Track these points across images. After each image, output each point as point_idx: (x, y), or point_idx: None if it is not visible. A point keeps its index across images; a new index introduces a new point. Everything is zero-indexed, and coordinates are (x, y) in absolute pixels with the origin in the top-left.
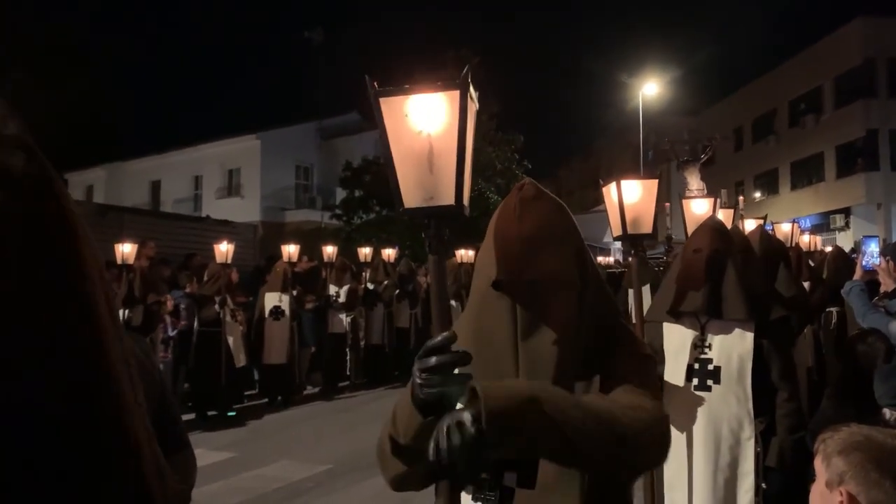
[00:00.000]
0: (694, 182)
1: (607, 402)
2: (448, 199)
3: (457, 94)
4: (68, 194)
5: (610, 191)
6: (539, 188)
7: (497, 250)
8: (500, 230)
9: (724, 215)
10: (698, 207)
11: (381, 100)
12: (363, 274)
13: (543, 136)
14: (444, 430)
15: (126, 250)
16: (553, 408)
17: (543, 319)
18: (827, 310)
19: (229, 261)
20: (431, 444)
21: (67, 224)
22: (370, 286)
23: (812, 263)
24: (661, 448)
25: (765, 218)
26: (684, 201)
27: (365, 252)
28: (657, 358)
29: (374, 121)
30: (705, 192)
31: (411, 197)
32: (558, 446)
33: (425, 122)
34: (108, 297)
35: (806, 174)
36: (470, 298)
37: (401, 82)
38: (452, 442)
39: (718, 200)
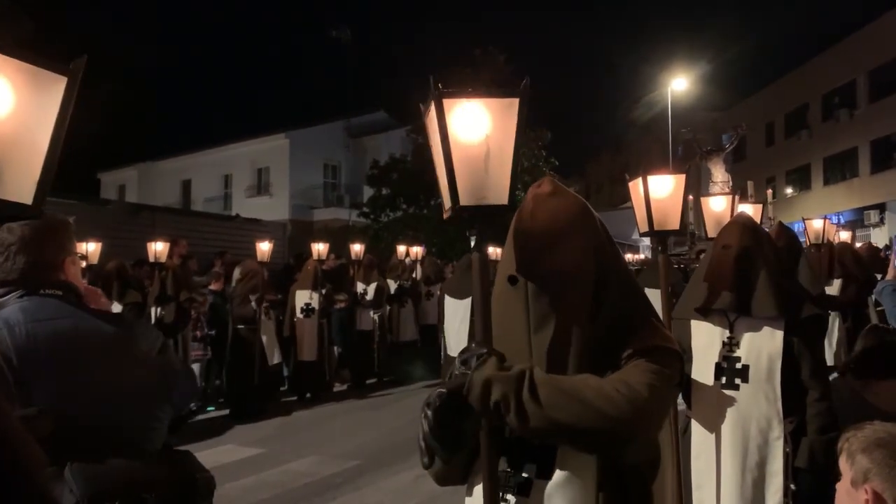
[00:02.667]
0: (718, 174)
1: (579, 381)
2: (501, 199)
3: (516, 101)
4: None
5: (637, 186)
6: (557, 185)
7: (513, 246)
8: (517, 227)
9: (753, 211)
10: (717, 205)
11: (444, 100)
12: (385, 272)
13: (571, 131)
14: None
15: (158, 248)
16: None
17: (555, 314)
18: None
19: (268, 260)
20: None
21: None
22: (403, 283)
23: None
24: (600, 436)
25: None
26: (703, 199)
27: (400, 250)
28: (684, 356)
29: (401, 119)
30: (730, 184)
31: (465, 195)
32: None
33: (484, 126)
34: None
35: (839, 169)
36: (493, 293)
37: (430, 81)
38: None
39: (737, 197)
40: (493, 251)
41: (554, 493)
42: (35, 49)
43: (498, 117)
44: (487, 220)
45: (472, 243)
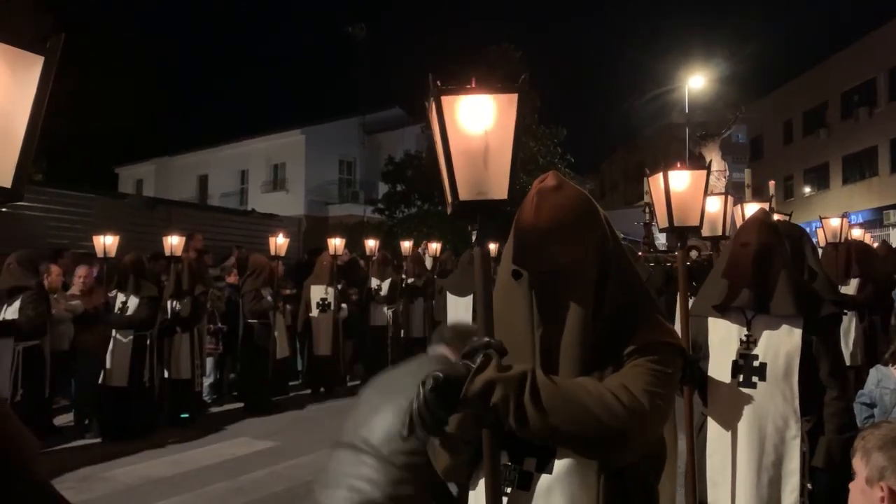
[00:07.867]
0: (714, 162)
1: (580, 387)
2: (501, 194)
3: (515, 97)
4: None
5: (657, 181)
6: (560, 179)
7: (516, 241)
8: (520, 221)
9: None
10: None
11: (443, 98)
12: (402, 267)
13: (587, 129)
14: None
15: (174, 242)
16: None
17: (558, 309)
18: None
19: (283, 254)
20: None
21: None
22: (411, 280)
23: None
24: (603, 442)
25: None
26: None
27: (405, 246)
28: (700, 354)
29: (416, 116)
30: (727, 172)
31: (465, 191)
32: (523, 414)
33: (483, 121)
34: None
35: (858, 168)
36: (495, 288)
37: (446, 78)
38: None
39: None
40: (494, 248)
41: (554, 487)
42: (10, 28)
43: (497, 113)
44: (488, 215)
45: (474, 238)
